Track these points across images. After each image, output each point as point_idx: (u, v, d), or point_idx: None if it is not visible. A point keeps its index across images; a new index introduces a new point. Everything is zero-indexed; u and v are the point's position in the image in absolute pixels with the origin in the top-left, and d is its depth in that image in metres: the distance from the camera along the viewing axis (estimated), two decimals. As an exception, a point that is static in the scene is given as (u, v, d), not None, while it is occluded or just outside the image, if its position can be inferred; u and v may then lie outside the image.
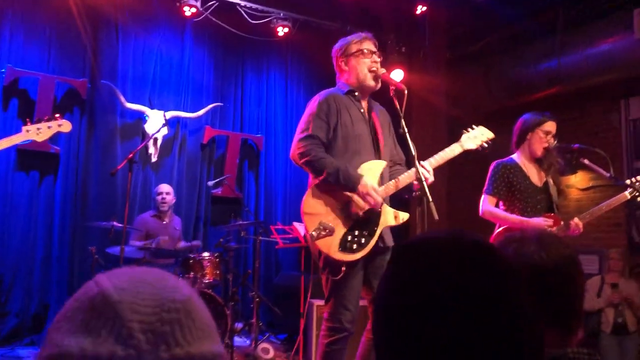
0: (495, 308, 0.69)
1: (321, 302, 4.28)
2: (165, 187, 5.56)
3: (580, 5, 6.15)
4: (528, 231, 1.31)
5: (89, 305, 0.62)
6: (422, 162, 2.86)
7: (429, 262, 0.73)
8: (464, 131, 3.19)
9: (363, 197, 2.74)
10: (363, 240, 2.76)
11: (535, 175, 3.56)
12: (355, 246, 2.74)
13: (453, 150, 3.08)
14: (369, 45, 3.02)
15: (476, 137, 3.18)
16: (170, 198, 5.53)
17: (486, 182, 3.55)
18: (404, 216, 2.91)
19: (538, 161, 3.59)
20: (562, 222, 3.46)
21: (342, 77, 3.09)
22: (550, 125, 3.56)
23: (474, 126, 3.23)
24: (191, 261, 4.90)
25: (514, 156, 3.60)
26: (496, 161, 3.58)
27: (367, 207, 2.76)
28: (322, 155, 2.78)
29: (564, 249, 1.24)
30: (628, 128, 6.39)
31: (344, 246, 2.72)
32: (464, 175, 6.83)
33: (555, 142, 3.60)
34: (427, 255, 0.74)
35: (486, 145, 3.20)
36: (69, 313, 0.63)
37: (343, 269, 2.72)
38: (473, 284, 0.70)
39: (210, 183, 6.10)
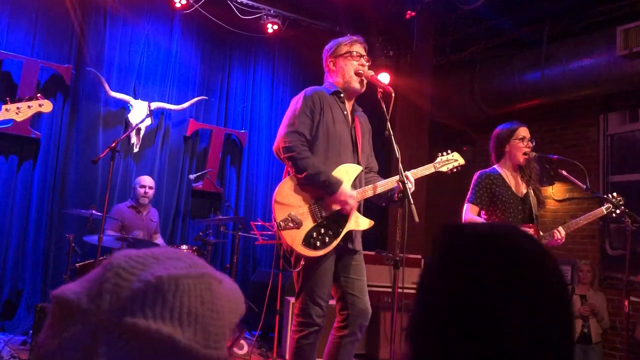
0: (543, 296, 0.72)
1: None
2: (148, 181, 5.51)
3: (566, 20, 6.27)
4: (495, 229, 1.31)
5: (103, 263, 0.68)
6: (405, 173, 2.93)
7: (480, 248, 0.75)
8: (439, 154, 3.33)
9: (340, 203, 2.83)
10: (327, 240, 2.83)
11: (516, 186, 3.63)
12: (318, 243, 2.80)
13: (427, 169, 3.22)
14: (358, 49, 3.07)
15: (449, 161, 3.33)
16: (152, 192, 5.50)
17: (469, 191, 3.62)
18: (369, 223, 3.00)
19: (520, 171, 3.67)
20: (540, 233, 3.56)
21: (329, 77, 3.15)
22: (524, 131, 3.63)
23: (449, 151, 3.37)
24: (169, 253, 4.87)
25: (496, 167, 3.67)
26: (480, 171, 3.65)
27: (339, 208, 2.85)
28: (305, 154, 2.83)
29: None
30: (605, 143, 6.53)
31: (308, 242, 2.79)
32: (442, 181, 6.91)
33: (534, 152, 3.68)
34: (478, 242, 0.76)
35: (455, 170, 3.36)
36: None
37: (302, 262, 2.81)
38: (524, 274, 0.72)
39: (192, 176, 6.08)
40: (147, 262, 0.66)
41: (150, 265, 0.66)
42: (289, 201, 2.82)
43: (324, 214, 2.84)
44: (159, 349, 0.62)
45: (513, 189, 3.60)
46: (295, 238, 2.77)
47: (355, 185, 2.95)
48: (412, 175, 3.02)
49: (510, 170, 3.65)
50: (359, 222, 2.96)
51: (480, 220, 3.54)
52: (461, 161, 3.37)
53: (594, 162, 6.45)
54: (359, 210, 2.99)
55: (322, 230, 2.83)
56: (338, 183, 2.81)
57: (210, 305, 0.66)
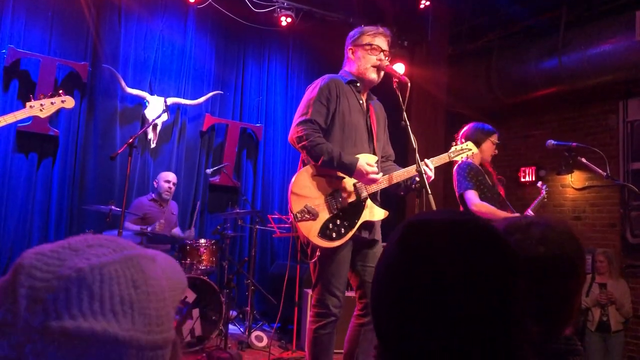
0: (497, 291, 0.72)
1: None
2: (172, 176, 5.58)
3: (583, 5, 6.17)
4: (535, 220, 1.27)
5: (12, 267, 0.60)
6: (425, 160, 2.95)
7: (440, 242, 0.74)
8: (453, 144, 3.39)
9: (365, 181, 2.83)
10: (342, 230, 2.83)
11: (487, 177, 3.89)
12: (334, 234, 2.81)
13: (442, 159, 3.23)
14: (380, 42, 3.04)
15: (463, 150, 3.35)
16: (174, 188, 5.58)
17: (460, 181, 3.80)
18: (384, 213, 3.00)
19: (482, 166, 3.95)
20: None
21: (347, 64, 3.13)
22: (497, 137, 3.99)
23: (462, 140, 3.48)
24: (188, 247, 4.93)
25: (469, 160, 3.86)
26: (462, 162, 3.78)
27: (351, 198, 2.84)
28: (319, 141, 2.83)
29: (568, 244, 1.20)
30: (625, 129, 6.42)
31: (324, 233, 2.79)
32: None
33: (552, 140, 3.88)
34: (437, 236, 0.75)
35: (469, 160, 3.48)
36: None
37: (318, 253, 2.82)
38: (480, 266, 0.72)
39: (209, 171, 6.11)
40: (64, 256, 0.59)
41: (68, 258, 0.59)
42: (305, 192, 2.83)
43: (339, 205, 2.84)
44: (96, 347, 0.55)
45: (487, 178, 3.86)
46: (312, 229, 2.77)
47: None
48: (431, 163, 3.01)
49: (477, 164, 3.90)
50: (374, 213, 2.96)
51: (490, 206, 3.64)
52: (475, 150, 3.42)
53: (613, 149, 6.35)
54: (374, 201, 2.98)
55: (338, 222, 2.83)
56: (353, 163, 2.80)
57: (145, 287, 0.60)
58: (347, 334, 2.95)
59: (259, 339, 4.99)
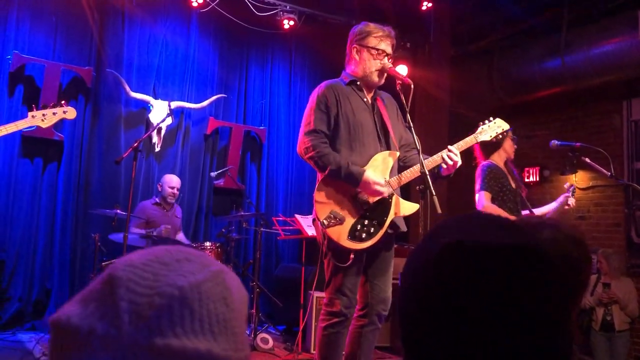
0: (543, 320, 0.67)
1: (321, 294, 4.32)
2: (176, 182, 5.58)
3: (585, 5, 6.17)
4: (547, 222, 1.24)
5: (101, 278, 0.60)
6: (450, 147, 2.92)
7: (485, 267, 0.67)
8: (480, 123, 3.25)
9: (370, 193, 2.81)
10: (372, 230, 2.83)
11: (510, 179, 3.86)
12: (364, 235, 2.80)
13: (468, 142, 3.14)
14: (386, 46, 3.02)
15: (490, 128, 3.24)
16: (178, 192, 5.59)
17: (478, 182, 3.77)
18: (414, 207, 2.96)
19: (505, 165, 3.92)
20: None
21: (350, 64, 3.10)
22: (512, 132, 3.90)
23: (491, 118, 3.29)
24: (193, 250, 4.94)
25: (492, 161, 3.86)
26: (485, 163, 3.77)
27: (374, 198, 2.83)
28: (325, 151, 2.83)
29: (574, 248, 1.19)
30: (629, 129, 6.42)
31: (353, 235, 2.79)
32: (464, 171, 6.85)
33: (556, 140, 3.88)
34: (480, 263, 0.68)
35: (500, 136, 3.30)
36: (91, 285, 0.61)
37: (351, 256, 2.79)
38: (532, 297, 0.67)
39: (213, 174, 6.12)
40: (156, 270, 0.59)
41: (161, 272, 0.59)
42: (328, 199, 2.83)
43: (365, 206, 2.84)
44: None
45: (510, 181, 3.83)
46: (341, 234, 2.78)
47: (392, 173, 2.95)
48: (456, 148, 2.95)
49: (502, 165, 3.86)
50: (403, 208, 2.93)
51: (494, 207, 3.62)
52: (505, 126, 3.26)
53: (617, 149, 6.35)
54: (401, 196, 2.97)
55: (366, 222, 2.83)
56: (360, 173, 2.78)
57: (232, 305, 0.61)
58: (347, 336, 2.94)
59: (265, 341, 5.00)
